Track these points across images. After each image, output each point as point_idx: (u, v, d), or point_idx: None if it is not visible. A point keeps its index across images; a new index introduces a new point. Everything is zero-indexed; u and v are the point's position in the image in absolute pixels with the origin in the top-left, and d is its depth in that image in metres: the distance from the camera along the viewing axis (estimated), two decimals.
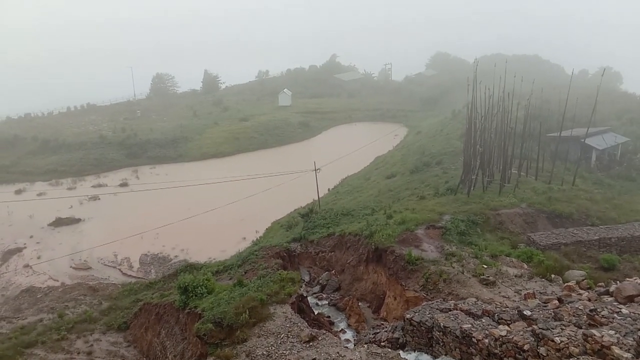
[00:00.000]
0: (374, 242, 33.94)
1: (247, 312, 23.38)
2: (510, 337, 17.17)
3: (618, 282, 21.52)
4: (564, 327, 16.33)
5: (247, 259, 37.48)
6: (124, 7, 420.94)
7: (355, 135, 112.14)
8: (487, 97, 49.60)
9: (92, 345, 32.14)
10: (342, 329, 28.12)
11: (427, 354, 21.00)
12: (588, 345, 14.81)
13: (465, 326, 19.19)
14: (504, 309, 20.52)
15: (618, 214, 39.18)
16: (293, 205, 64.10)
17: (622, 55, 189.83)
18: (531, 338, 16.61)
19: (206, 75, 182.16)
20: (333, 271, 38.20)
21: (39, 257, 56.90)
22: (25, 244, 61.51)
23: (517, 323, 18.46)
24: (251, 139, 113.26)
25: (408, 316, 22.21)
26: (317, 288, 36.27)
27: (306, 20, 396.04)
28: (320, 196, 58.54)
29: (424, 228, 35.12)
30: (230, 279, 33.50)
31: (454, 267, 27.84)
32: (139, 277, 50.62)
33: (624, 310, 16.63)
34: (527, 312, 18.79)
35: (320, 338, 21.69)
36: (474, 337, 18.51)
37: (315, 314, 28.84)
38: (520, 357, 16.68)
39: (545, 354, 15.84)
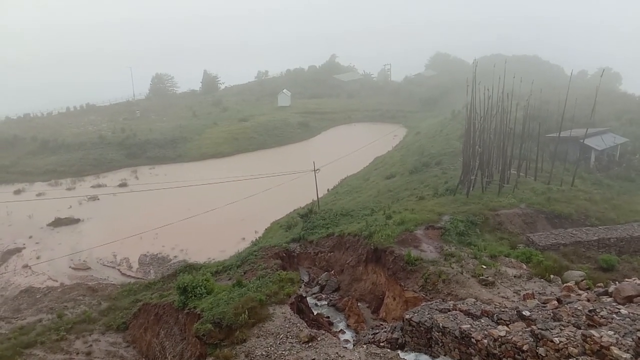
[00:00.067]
0: (373, 242, 33.94)
1: (247, 313, 23.38)
2: (509, 337, 17.17)
3: (617, 282, 21.53)
4: (563, 328, 16.34)
5: (246, 259, 37.52)
6: (124, 7, 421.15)
7: (355, 136, 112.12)
8: (487, 97, 49.60)
9: (91, 345, 32.13)
10: (341, 330, 28.09)
11: (426, 354, 20.98)
12: (587, 346, 14.82)
13: (464, 326, 19.19)
14: (503, 310, 20.52)
15: (617, 215, 39.19)
16: (292, 205, 64.10)
17: (621, 55, 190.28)
18: (530, 338, 16.61)
19: (205, 75, 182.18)
20: (332, 271, 38.19)
21: (38, 258, 56.87)
22: (24, 244, 61.47)
23: (516, 323, 18.46)
24: (250, 139, 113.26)
25: (407, 316, 22.21)
26: (316, 288, 36.26)
27: (305, 21, 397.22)
28: (319, 196, 58.58)
29: (423, 228, 35.12)
30: (230, 279, 33.52)
31: (453, 268, 27.85)
32: (138, 278, 50.59)
33: (623, 311, 16.64)
34: (526, 313, 18.80)
35: (319, 338, 21.69)
36: (473, 338, 18.51)
37: (315, 314, 28.83)
38: (519, 357, 16.68)
39: (544, 355, 15.84)
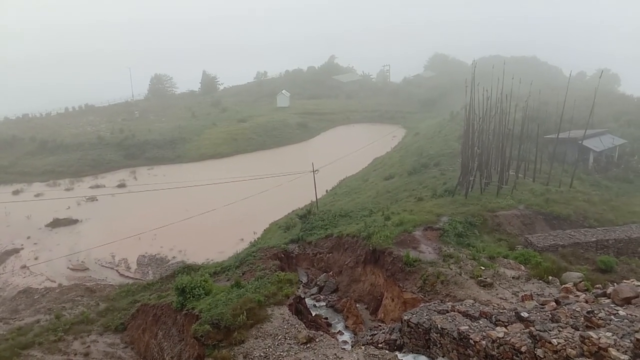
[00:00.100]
0: (371, 243, 33.95)
1: (245, 314, 23.36)
2: (508, 338, 17.18)
3: (615, 284, 21.52)
4: (561, 329, 16.35)
5: (244, 260, 37.48)
6: (124, 7, 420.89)
7: (354, 137, 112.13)
8: (485, 98, 49.67)
9: (89, 346, 32.06)
10: (339, 331, 28.09)
11: (425, 355, 21.00)
12: (585, 347, 14.82)
13: (462, 328, 19.19)
14: (501, 311, 20.52)
15: (615, 216, 39.28)
16: (291, 206, 64.08)
17: (621, 55, 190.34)
18: (528, 340, 16.62)
19: (204, 76, 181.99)
20: (331, 272, 38.17)
21: (36, 258, 56.80)
22: (22, 244, 61.40)
23: (514, 325, 18.47)
24: (249, 140, 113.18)
25: (405, 318, 22.21)
26: (314, 289, 36.25)
27: (305, 21, 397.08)
28: (318, 197, 58.59)
29: (422, 229, 35.14)
30: (228, 280, 33.49)
31: (451, 269, 27.86)
32: (136, 278, 50.55)
33: (621, 312, 16.66)
34: (525, 314, 18.80)
35: (317, 339, 21.68)
36: (471, 339, 18.51)
37: (313, 315, 28.82)
38: (517, 358, 16.68)
39: (542, 356, 15.84)
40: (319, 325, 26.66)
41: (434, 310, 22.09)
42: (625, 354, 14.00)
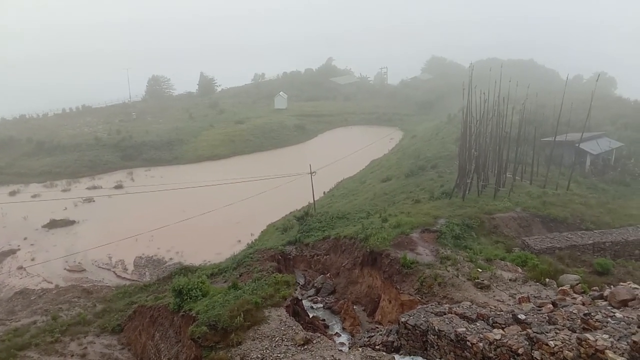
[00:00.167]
0: (369, 245, 33.96)
1: (242, 315, 23.33)
2: (505, 340, 17.20)
3: (612, 286, 21.57)
4: (558, 331, 16.37)
5: (242, 261, 37.45)
6: (124, 8, 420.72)
7: (351, 139, 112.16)
8: (482, 101, 49.79)
9: (85, 347, 32.00)
10: (336, 332, 28.09)
11: (422, 357, 21.01)
12: (582, 349, 14.84)
13: (459, 330, 19.20)
14: (498, 313, 20.54)
15: (612, 219, 39.38)
16: (288, 208, 64.10)
17: (621, 56, 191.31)
18: (525, 342, 16.64)
19: (202, 77, 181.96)
20: (328, 274, 38.20)
21: (33, 259, 56.62)
22: (19, 245, 61.20)
23: (511, 327, 18.48)
24: (247, 142, 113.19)
25: (403, 320, 22.22)
26: (312, 291, 36.26)
27: (305, 21, 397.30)
28: (315, 199, 58.60)
29: (419, 232, 35.17)
30: (225, 281, 33.48)
31: (448, 271, 27.89)
32: (133, 280, 50.45)
33: (618, 315, 16.69)
34: (522, 316, 18.81)
35: (314, 341, 21.66)
36: (468, 341, 18.53)
37: (310, 317, 28.79)
38: None
39: (539, 358, 15.86)
40: (316, 327, 26.64)
41: (431, 312, 22.11)
42: (622, 356, 14.02)
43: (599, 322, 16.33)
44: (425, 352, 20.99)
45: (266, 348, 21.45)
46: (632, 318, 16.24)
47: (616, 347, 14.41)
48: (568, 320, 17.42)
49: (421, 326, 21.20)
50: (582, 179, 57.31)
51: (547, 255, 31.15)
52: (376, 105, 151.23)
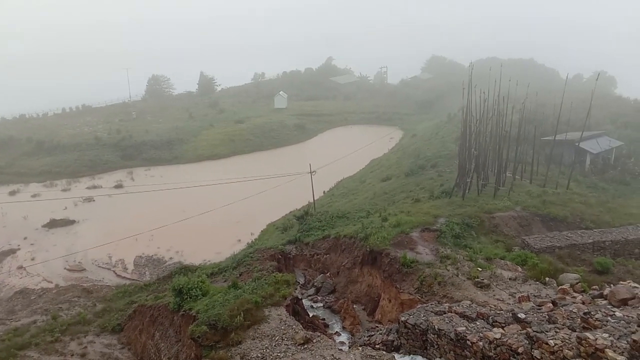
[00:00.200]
0: (369, 244, 33.95)
1: (242, 315, 23.33)
2: (505, 339, 17.20)
3: (612, 285, 21.57)
4: (558, 330, 16.38)
5: (242, 261, 37.45)
6: (124, 8, 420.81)
7: (351, 138, 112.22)
8: (482, 100, 49.76)
9: (86, 347, 31.99)
10: (336, 332, 28.10)
11: (422, 356, 21.01)
12: (582, 348, 14.85)
13: (459, 329, 19.21)
14: (498, 312, 20.55)
15: (612, 218, 39.36)
16: (288, 207, 64.09)
17: (622, 56, 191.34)
18: (525, 341, 16.64)
19: (202, 77, 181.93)
20: (328, 274, 38.20)
21: (33, 259, 56.63)
22: (19, 245, 61.21)
23: (511, 326, 18.49)
24: (247, 141, 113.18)
25: (403, 319, 22.22)
26: (312, 290, 36.26)
27: (304, 22, 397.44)
28: (315, 198, 58.59)
29: (419, 231, 35.16)
30: (225, 281, 33.48)
31: (448, 270, 27.90)
32: (133, 279, 50.46)
33: (618, 314, 16.69)
34: (522, 315, 18.82)
35: (314, 340, 21.67)
36: (468, 340, 18.53)
37: (310, 316, 28.80)
38: (514, 359, 16.71)
39: (539, 357, 15.87)
40: (316, 326, 26.65)
41: (431, 312, 22.11)
42: (622, 355, 14.02)
43: (599, 321, 16.34)
44: (425, 351, 21.00)
45: (266, 347, 21.45)
46: (632, 317, 16.24)
47: (616, 346, 14.41)
48: (568, 319, 17.43)
49: (421, 325, 21.20)
50: (582, 178, 57.33)
51: (547, 254, 31.14)
52: (376, 105, 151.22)
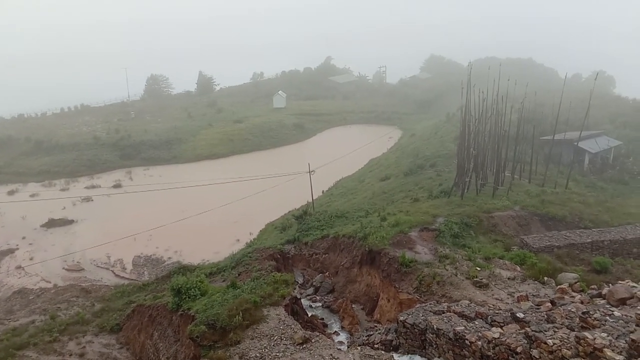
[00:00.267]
0: (367, 244, 33.96)
1: (241, 314, 23.33)
2: (503, 339, 17.21)
3: (610, 284, 21.58)
4: (556, 330, 16.38)
5: (240, 260, 37.41)
6: (124, 8, 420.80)
7: (350, 138, 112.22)
8: (481, 100, 49.79)
9: (84, 347, 31.94)
10: (335, 331, 28.10)
11: (421, 356, 21.01)
12: (580, 348, 14.86)
13: (458, 328, 19.21)
14: (497, 312, 20.56)
15: (611, 217, 39.39)
16: (287, 207, 64.02)
17: (622, 56, 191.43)
18: (524, 340, 16.65)
19: (201, 76, 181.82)
20: (327, 273, 38.19)
21: (31, 259, 56.53)
22: (17, 245, 61.13)
23: (510, 325, 18.49)
24: (245, 141, 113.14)
25: (401, 318, 22.23)
26: (310, 290, 36.27)
27: (304, 22, 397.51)
28: (314, 198, 58.55)
29: (418, 230, 35.18)
30: (224, 280, 33.44)
31: (447, 270, 27.90)
32: (132, 279, 50.39)
33: (616, 313, 16.70)
34: (520, 315, 18.83)
35: (313, 340, 21.66)
36: (467, 340, 18.53)
37: (309, 316, 28.80)
38: (513, 359, 16.72)
39: (538, 356, 15.88)
40: (315, 326, 26.64)
41: (430, 311, 22.12)
42: (620, 355, 14.03)
43: (598, 320, 16.34)
44: (423, 350, 21.00)
45: (265, 347, 21.44)
46: (631, 316, 16.24)
47: (614, 346, 14.41)
48: (566, 318, 17.43)
49: (420, 325, 21.21)
50: (580, 178, 57.35)
51: (545, 253, 31.18)
52: (375, 104, 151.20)
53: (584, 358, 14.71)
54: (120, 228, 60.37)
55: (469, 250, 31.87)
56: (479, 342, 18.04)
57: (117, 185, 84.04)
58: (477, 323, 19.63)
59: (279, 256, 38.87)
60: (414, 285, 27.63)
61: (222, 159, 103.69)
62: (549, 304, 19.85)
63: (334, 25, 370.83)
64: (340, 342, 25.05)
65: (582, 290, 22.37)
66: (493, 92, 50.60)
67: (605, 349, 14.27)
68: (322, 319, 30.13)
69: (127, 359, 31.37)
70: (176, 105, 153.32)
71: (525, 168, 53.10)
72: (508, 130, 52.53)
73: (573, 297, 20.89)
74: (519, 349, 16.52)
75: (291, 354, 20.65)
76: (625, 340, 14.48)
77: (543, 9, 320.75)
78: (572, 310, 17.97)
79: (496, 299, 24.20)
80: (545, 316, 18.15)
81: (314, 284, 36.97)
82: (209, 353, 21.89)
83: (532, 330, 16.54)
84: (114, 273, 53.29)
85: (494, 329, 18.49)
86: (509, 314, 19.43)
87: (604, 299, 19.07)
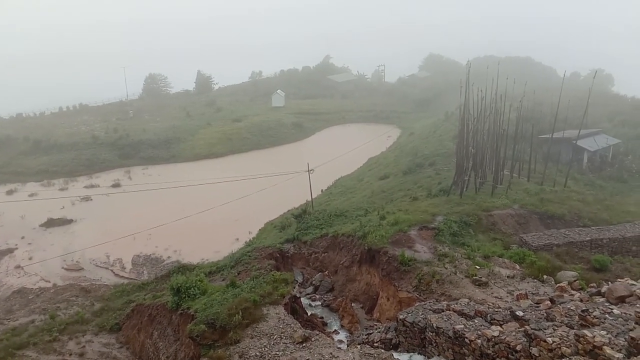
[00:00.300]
0: (367, 243, 33.98)
1: (240, 313, 23.35)
2: (503, 337, 17.23)
3: (609, 282, 21.63)
4: (556, 328, 16.40)
5: (240, 259, 37.39)
6: (124, 7, 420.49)
7: (349, 136, 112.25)
8: (480, 99, 49.80)
9: (84, 346, 31.95)
10: (335, 330, 28.11)
11: (420, 354, 21.02)
12: (580, 346, 14.89)
13: (457, 327, 19.23)
14: (496, 310, 20.58)
15: (609, 215, 39.41)
16: (286, 206, 64.05)
17: (620, 58, 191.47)
18: (523, 338, 16.68)
19: (199, 75, 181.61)
20: (326, 272, 38.19)
21: (30, 258, 56.50)
22: (16, 244, 61.09)
23: (509, 324, 18.52)
24: (244, 140, 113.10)
25: (401, 317, 22.24)
26: (310, 289, 36.28)
27: (304, 22, 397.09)
28: (313, 197, 58.55)
29: (417, 229, 35.18)
30: (223, 280, 33.43)
31: (446, 268, 27.92)
32: (131, 278, 50.37)
33: (616, 311, 16.72)
34: (520, 313, 18.86)
35: (313, 339, 21.68)
36: (466, 338, 18.56)
37: (309, 314, 28.84)
38: (512, 357, 16.74)
39: (537, 355, 15.90)
40: (314, 325, 26.66)
41: (429, 309, 22.13)
42: (620, 352, 14.06)
43: (597, 318, 16.36)
44: (423, 349, 21.02)
45: (264, 346, 21.46)
46: (630, 314, 16.27)
47: (614, 344, 14.45)
48: (566, 316, 17.46)
49: (419, 323, 21.22)
50: (579, 176, 57.41)
51: (544, 252, 31.20)
52: (374, 103, 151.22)
53: (583, 356, 14.74)
54: (119, 227, 60.37)
55: (468, 248, 31.89)
56: (479, 341, 18.07)
57: (116, 185, 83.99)
58: (476, 321, 19.65)
59: (278, 255, 38.86)
60: (413, 284, 27.65)
61: (221, 158, 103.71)
62: (549, 302, 19.88)
63: (334, 25, 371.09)
64: (340, 341, 25.06)
65: (582, 289, 22.41)
66: (492, 90, 50.62)
67: (605, 347, 14.30)
68: (322, 317, 30.12)
69: (127, 359, 31.37)
70: (175, 104, 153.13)
71: (524, 166, 53.11)
72: (507, 129, 52.52)
73: (572, 295, 20.93)
74: (518, 347, 16.55)
75: (291, 352, 20.67)
76: (625, 338, 14.51)
77: (543, 9, 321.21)
78: (572, 308, 17.99)
79: (495, 297, 24.22)
80: (545, 314, 18.18)
81: (314, 282, 36.98)
82: (209, 352, 21.91)
83: (532, 329, 16.56)
84: (114, 272, 53.27)
85: (493, 327, 18.52)
86: (509, 312, 19.46)
87: (603, 297, 19.11)
